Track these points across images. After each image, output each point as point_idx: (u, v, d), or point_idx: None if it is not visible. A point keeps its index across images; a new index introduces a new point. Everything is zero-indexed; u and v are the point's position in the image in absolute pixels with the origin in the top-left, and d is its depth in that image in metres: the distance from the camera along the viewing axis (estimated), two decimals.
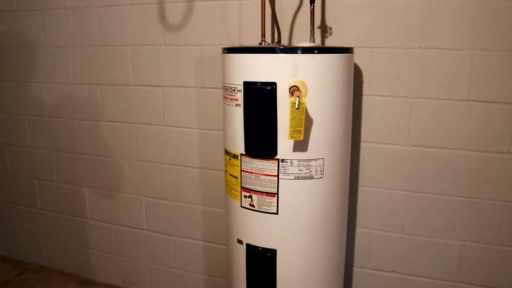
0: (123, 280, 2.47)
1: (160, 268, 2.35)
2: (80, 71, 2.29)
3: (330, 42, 1.75)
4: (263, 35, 1.59)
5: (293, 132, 1.29)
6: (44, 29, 2.33)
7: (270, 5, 1.62)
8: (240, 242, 1.55)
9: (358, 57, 1.69)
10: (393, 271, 1.86)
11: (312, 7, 1.62)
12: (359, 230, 1.87)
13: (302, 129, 1.29)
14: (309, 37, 1.63)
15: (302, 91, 1.31)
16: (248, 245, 1.52)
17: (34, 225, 2.68)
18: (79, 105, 2.34)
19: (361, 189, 1.83)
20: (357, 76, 1.72)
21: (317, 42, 1.73)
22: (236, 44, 1.89)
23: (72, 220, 2.54)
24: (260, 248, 1.49)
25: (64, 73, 2.33)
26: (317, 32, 1.75)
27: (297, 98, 1.26)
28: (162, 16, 2.03)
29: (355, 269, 1.92)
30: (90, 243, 2.53)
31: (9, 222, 2.78)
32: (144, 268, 2.39)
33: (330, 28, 1.75)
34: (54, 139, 2.47)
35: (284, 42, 1.81)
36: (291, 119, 1.28)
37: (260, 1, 1.58)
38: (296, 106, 1.25)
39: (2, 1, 2.40)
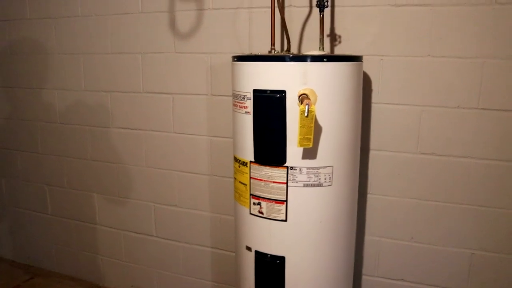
0: (132, 286, 2.48)
1: (169, 275, 2.35)
2: (91, 78, 2.32)
3: (339, 50, 1.76)
4: (273, 43, 1.60)
5: (302, 139, 1.30)
6: (56, 36, 2.36)
7: (280, 13, 1.63)
8: (248, 249, 1.55)
9: (368, 65, 1.70)
10: (402, 279, 1.85)
11: (321, 15, 1.63)
12: (368, 238, 1.87)
13: (312, 136, 1.30)
14: (319, 45, 1.64)
15: (311, 99, 1.32)
16: (256, 252, 1.52)
17: (44, 230, 2.71)
18: (90, 111, 2.36)
19: (370, 197, 1.83)
20: (366, 84, 1.72)
21: (327, 50, 1.74)
22: (246, 52, 1.91)
23: (82, 226, 2.56)
24: (268, 255, 1.49)
25: (76, 80, 2.36)
26: (327, 41, 1.76)
27: (307, 106, 1.26)
28: (172, 24, 2.05)
29: (364, 277, 1.91)
30: (99, 248, 2.54)
31: (19, 227, 2.80)
32: (153, 274, 2.40)
33: (339, 37, 1.76)
34: (65, 145, 2.49)
35: (294, 50, 1.82)
36: (301, 127, 1.28)
37: (270, 9, 1.60)
38: (306, 114, 1.26)
39: (15, 9, 2.44)
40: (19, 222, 2.79)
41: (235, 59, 1.49)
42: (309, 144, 1.31)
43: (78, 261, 2.63)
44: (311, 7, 1.76)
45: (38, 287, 2.58)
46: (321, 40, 1.64)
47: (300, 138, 1.30)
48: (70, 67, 2.36)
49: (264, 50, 1.74)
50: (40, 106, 2.51)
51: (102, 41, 2.24)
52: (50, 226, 2.67)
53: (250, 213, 1.51)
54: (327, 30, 1.75)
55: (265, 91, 1.38)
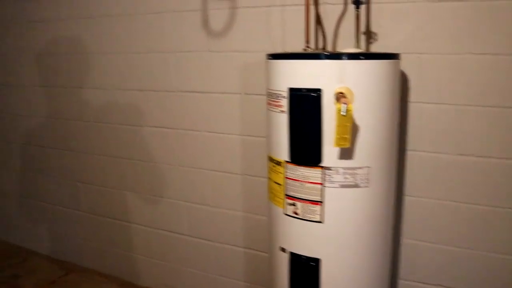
0: (165, 284, 2.49)
1: (201, 274, 2.36)
2: (124, 77, 2.34)
3: (375, 48, 1.72)
4: (307, 41, 1.57)
5: (339, 139, 1.27)
6: (91, 36, 2.40)
7: (315, 9, 1.60)
8: (282, 250, 1.54)
9: (405, 63, 1.64)
10: (439, 284, 1.79)
11: (357, 12, 1.59)
12: (405, 241, 1.82)
13: (349, 136, 1.27)
14: (354, 43, 1.61)
15: (348, 97, 1.29)
16: (291, 254, 1.50)
17: (78, 227, 2.75)
18: (123, 110, 2.39)
19: (407, 199, 1.78)
20: (403, 82, 1.67)
21: (362, 47, 1.70)
22: (279, 50, 1.88)
23: (115, 224, 2.59)
24: (303, 257, 1.47)
25: (110, 79, 2.39)
26: (362, 38, 1.72)
27: (344, 104, 1.24)
28: (205, 23, 2.04)
29: (400, 281, 1.86)
30: (132, 246, 2.56)
31: (55, 224, 2.87)
32: (185, 273, 2.41)
33: (375, 34, 1.71)
34: (99, 143, 2.53)
35: (328, 48, 1.79)
36: (337, 126, 1.26)
37: (304, 7, 1.57)
38: (343, 113, 1.23)
39: (51, 10, 2.49)
40: (54, 219, 2.85)
41: (270, 57, 1.48)
42: (346, 144, 1.28)
43: (111, 258, 2.67)
44: (345, 4, 1.72)
45: (72, 283, 2.63)
46: (357, 37, 1.60)
47: (337, 138, 1.27)
48: (104, 67, 2.39)
49: (298, 48, 1.71)
50: (75, 105, 2.56)
51: (136, 40, 2.26)
52: (84, 223, 2.72)
53: (285, 214, 1.49)
54: (362, 27, 1.71)
55: (300, 89, 1.36)
